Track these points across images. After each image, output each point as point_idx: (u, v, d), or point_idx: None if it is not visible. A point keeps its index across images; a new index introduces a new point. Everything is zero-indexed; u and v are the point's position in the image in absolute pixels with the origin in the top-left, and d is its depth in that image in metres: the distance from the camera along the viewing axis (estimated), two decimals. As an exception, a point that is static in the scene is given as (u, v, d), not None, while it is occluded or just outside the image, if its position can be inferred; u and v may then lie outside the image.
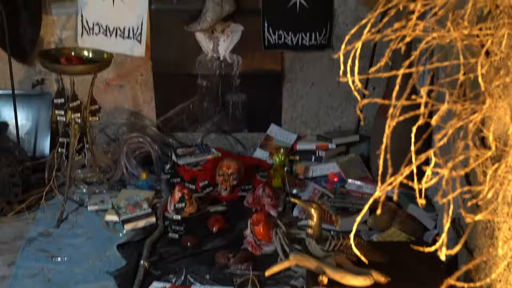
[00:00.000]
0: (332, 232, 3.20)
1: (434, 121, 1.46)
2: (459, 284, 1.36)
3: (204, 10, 3.95)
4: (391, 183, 1.43)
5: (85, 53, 3.77)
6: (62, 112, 3.62)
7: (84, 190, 3.84)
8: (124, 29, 4.08)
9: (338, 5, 4.13)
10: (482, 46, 1.56)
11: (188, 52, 4.20)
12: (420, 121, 1.47)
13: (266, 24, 4.11)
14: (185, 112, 4.34)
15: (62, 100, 3.63)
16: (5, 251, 3.33)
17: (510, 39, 1.52)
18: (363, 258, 1.92)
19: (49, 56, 3.69)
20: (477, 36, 1.55)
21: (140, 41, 4.09)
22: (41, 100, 4.21)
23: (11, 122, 4.10)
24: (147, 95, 4.32)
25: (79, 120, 3.63)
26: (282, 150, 4.08)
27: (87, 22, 4.09)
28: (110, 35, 4.09)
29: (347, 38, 1.67)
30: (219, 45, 4.19)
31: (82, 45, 4.09)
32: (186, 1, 4.08)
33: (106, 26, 4.08)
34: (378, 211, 1.64)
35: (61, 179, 3.84)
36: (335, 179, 3.93)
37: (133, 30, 4.08)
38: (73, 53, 3.76)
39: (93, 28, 4.09)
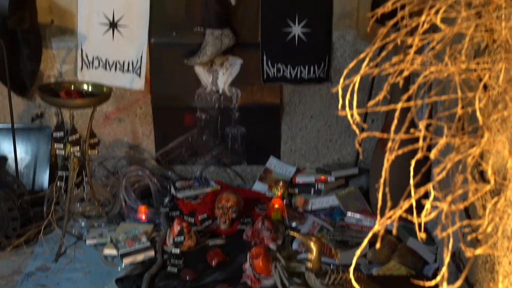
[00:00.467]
0: (331, 266, 3.18)
1: (432, 154, 1.46)
2: (460, 319, 1.35)
3: (203, 44, 3.98)
4: (390, 217, 1.43)
5: (85, 86, 3.78)
6: (61, 146, 3.62)
7: (83, 224, 3.82)
8: (123, 62, 4.10)
9: (337, 39, 4.16)
10: (480, 80, 1.57)
11: (187, 86, 4.22)
12: (419, 155, 1.47)
13: (265, 58, 4.14)
14: (184, 145, 4.34)
15: (62, 133, 3.63)
16: (3, 286, 3.31)
17: (508, 73, 1.53)
18: (363, 293, 1.90)
19: (49, 90, 3.71)
20: (475, 70, 1.56)
21: (139, 75, 4.11)
22: (40, 133, 4.21)
23: (10, 156, 4.10)
24: (146, 129, 4.33)
25: (78, 154, 3.63)
26: (281, 183, 4.07)
27: (86, 56, 4.11)
28: (110, 69, 4.11)
29: (345, 72, 1.68)
30: (218, 78, 4.21)
31: (81, 78, 4.11)
32: (186, 35, 4.11)
33: (106, 60, 4.11)
34: (378, 245, 1.63)
35: (60, 213, 3.83)
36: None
37: (132, 64, 4.10)
38: (72, 87, 3.77)
39: (92, 62, 4.11)
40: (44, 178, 4.17)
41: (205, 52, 3.98)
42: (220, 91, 4.24)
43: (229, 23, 4.00)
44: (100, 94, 3.74)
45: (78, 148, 3.62)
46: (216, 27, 3.93)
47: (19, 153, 4.10)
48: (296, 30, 4.09)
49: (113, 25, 4.05)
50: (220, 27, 3.94)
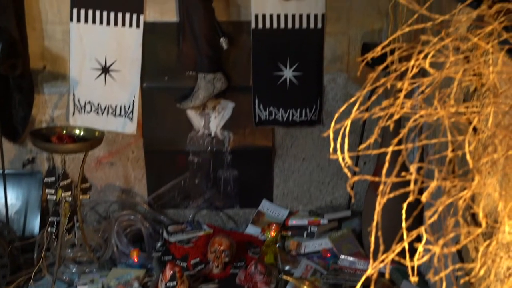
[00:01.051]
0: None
1: (424, 198, 1.46)
2: None
3: (196, 88, 4.00)
4: (383, 260, 1.42)
5: (77, 131, 3.79)
6: (53, 191, 3.60)
7: (74, 270, 3.78)
8: (115, 107, 4.11)
9: (328, 82, 4.19)
10: (470, 123, 1.58)
11: (179, 129, 4.23)
12: (411, 198, 1.47)
13: (257, 101, 4.16)
14: (177, 189, 4.33)
15: (53, 178, 3.62)
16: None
17: (496, 117, 1.54)
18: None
19: (41, 135, 3.70)
20: (464, 113, 1.57)
21: (131, 119, 4.12)
22: (31, 179, 4.20)
23: (1, 202, 4.07)
24: (139, 173, 4.32)
25: (70, 199, 3.61)
26: (274, 226, 4.06)
27: (79, 100, 4.12)
28: (102, 113, 4.12)
29: (336, 115, 1.69)
30: (210, 121, 4.22)
31: (73, 123, 4.11)
32: (178, 79, 4.13)
33: (98, 105, 4.12)
34: (371, 289, 1.62)
35: (51, 259, 3.79)
36: (328, 255, 3.90)
37: (124, 108, 4.11)
38: (64, 132, 3.77)
39: (84, 107, 4.12)
40: (35, 224, 4.13)
41: (198, 96, 4.00)
42: (212, 134, 4.25)
43: (221, 67, 4.03)
44: (92, 139, 3.73)
45: (69, 193, 3.60)
46: (208, 71, 3.96)
47: (10, 198, 4.08)
48: (288, 73, 4.12)
49: (105, 70, 4.07)
50: (212, 71, 3.96)
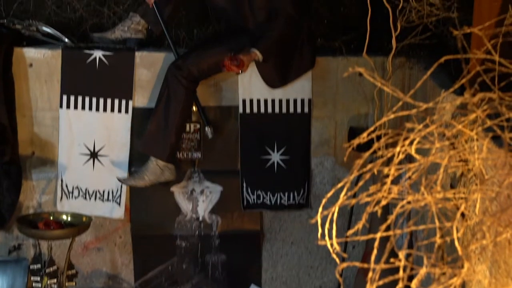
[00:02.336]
0: None
1: (414, 285, 1.45)
2: None
3: (144, 168, 3.94)
4: None
5: (64, 217, 3.77)
6: (38, 279, 3.55)
7: None
8: (103, 192, 4.10)
9: (315, 165, 4.21)
10: (457, 209, 1.59)
11: (167, 213, 4.20)
12: (400, 285, 1.46)
13: (244, 185, 4.16)
14: (164, 274, 4.27)
15: (39, 265, 3.58)
16: None
17: (483, 203, 1.55)
18: None
19: (27, 221, 3.68)
20: (451, 199, 1.58)
21: (119, 204, 4.10)
22: (16, 266, 4.12)
23: (-15, 289, 4.00)
24: (126, 258, 4.27)
25: (56, 286, 3.56)
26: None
27: (66, 186, 4.11)
28: (90, 198, 4.10)
29: (323, 201, 1.69)
30: (198, 205, 4.21)
31: (61, 209, 4.08)
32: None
33: (86, 190, 4.11)
34: None
35: None
36: None
37: (112, 193, 4.10)
38: (51, 218, 3.75)
39: (72, 192, 4.11)
40: (19, 312, 4.04)
41: (143, 177, 3.94)
42: (200, 218, 4.23)
43: (175, 160, 4.00)
44: (79, 224, 3.71)
45: (55, 280, 3.56)
46: (165, 160, 3.92)
47: (-5, 286, 4.01)
48: (275, 157, 4.14)
49: (94, 155, 4.09)
50: (167, 161, 3.94)
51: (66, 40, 4.09)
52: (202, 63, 3.83)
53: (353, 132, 4.07)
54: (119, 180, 3.98)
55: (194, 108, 4.03)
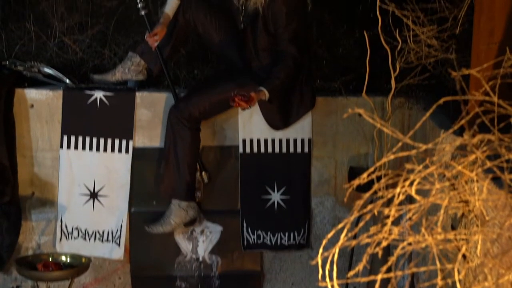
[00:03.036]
0: None
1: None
2: None
3: (168, 213, 3.95)
4: None
5: (63, 258, 3.75)
6: (36, 321, 3.52)
7: None
8: (103, 232, 4.09)
9: (316, 205, 4.21)
10: (459, 250, 1.59)
11: (167, 254, 4.18)
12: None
13: (245, 224, 4.15)
14: (164, 316, 4.23)
15: (37, 307, 3.54)
16: None
17: (485, 245, 1.55)
18: None
19: (26, 262, 3.66)
20: (452, 241, 1.58)
21: (119, 244, 4.09)
22: (15, 308, 4.10)
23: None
24: (125, 299, 4.24)
25: (54, 328, 3.52)
26: None
27: (66, 226, 4.10)
28: (89, 239, 4.08)
29: (324, 242, 1.69)
30: (198, 246, 4.19)
31: (60, 250, 4.06)
32: (166, 203, 4.12)
33: (85, 230, 4.09)
34: None
35: None
36: None
37: (112, 233, 4.09)
38: (50, 259, 3.73)
39: (72, 233, 4.09)
40: None
41: (169, 222, 3.95)
42: (200, 258, 4.20)
43: (195, 198, 4.02)
44: (78, 266, 3.69)
45: (53, 322, 3.52)
46: (185, 199, 3.93)
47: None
48: (276, 197, 4.14)
49: (93, 195, 4.08)
50: (188, 200, 3.95)
51: (67, 81, 4.11)
52: (204, 104, 3.85)
53: (353, 172, 4.07)
54: (147, 228, 3.97)
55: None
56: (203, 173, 4.04)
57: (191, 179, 3.95)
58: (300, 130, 4.09)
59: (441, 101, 1.75)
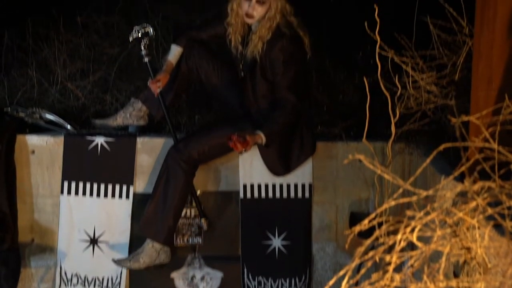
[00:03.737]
0: None
1: None
2: None
3: (140, 250, 3.91)
4: None
5: (62, 305, 3.71)
6: None
7: None
8: (103, 279, 4.06)
9: (317, 251, 4.18)
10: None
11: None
12: None
13: (245, 270, 4.12)
14: None
15: None
16: None
17: (487, 292, 1.54)
18: None
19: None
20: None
21: (118, 292, 4.06)
22: None
23: None
24: None
25: None
26: None
27: (65, 273, 4.07)
28: (89, 286, 4.05)
29: (326, 288, 1.68)
30: (198, 292, 4.17)
31: (59, 297, 4.04)
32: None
33: (85, 277, 4.06)
34: None
35: None
36: None
37: (112, 280, 4.06)
38: (49, 306, 3.69)
39: (71, 280, 4.06)
40: None
41: (138, 259, 3.90)
42: (201, 305, 4.17)
43: (172, 242, 3.99)
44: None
45: None
46: (162, 242, 3.90)
47: None
48: (277, 242, 4.12)
49: (93, 241, 4.06)
50: (163, 243, 3.92)
51: (69, 127, 4.13)
52: (203, 147, 3.85)
53: (355, 217, 4.06)
54: (114, 261, 3.93)
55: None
56: (203, 220, 4.03)
57: (174, 224, 3.91)
58: (300, 175, 4.09)
59: (441, 147, 1.75)
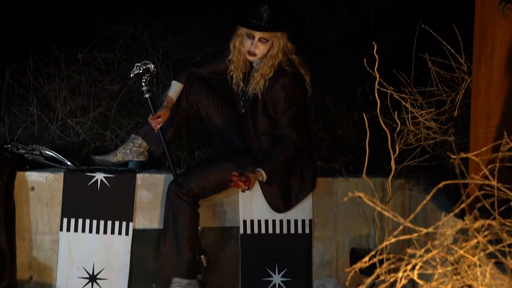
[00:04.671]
0: None
1: None
2: None
3: None
4: None
5: None
6: None
7: None
8: None
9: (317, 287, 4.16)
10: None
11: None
12: None
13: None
14: None
15: None
16: None
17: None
18: None
19: None
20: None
21: None
22: None
23: None
24: None
25: None
26: None
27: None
28: None
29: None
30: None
31: None
32: (166, 285, 4.08)
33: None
34: None
35: None
36: None
37: None
38: None
39: None
40: None
41: None
42: None
43: (196, 275, 3.98)
44: None
45: None
46: (186, 277, 3.88)
47: None
48: (277, 279, 4.09)
49: (92, 278, 4.03)
50: (189, 277, 3.90)
51: (69, 163, 4.14)
52: (203, 181, 3.85)
53: (355, 254, 4.04)
54: None
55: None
56: (202, 256, 4.01)
57: (192, 255, 3.90)
58: (301, 211, 4.09)
59: (441, 185, 1.75)
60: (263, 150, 3.83)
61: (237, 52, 3.83)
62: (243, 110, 3.91)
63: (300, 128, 3.80)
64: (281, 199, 3.95)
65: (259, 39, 3.70)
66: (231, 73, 3.90)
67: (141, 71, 3.94)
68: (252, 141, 3.89)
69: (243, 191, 3.68)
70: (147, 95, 3.93)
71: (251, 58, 3.78)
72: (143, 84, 3.93)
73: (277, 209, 3.98)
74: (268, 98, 3.76)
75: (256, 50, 3.72)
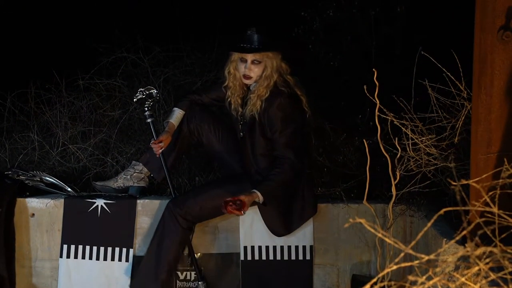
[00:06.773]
0: None
1: None
2: None
3: None
4: None
5: None
6: None
7: None
8: None
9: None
10: None
11: None
12: None
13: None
14: None
15: None
16: None
17: None
18: None
19: None
20: None
21: None
22: None
23: None
24: None
25: None
26: None
27: None
28: None
29: None
30: None
31: None
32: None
33: None
34: None
35: None
36: None
37: None
38: None
39: None
40: None
41: None
42: None
43: None
44: None
45: None
46: None
47: None
48: (277, 305, 4.08)
49: (92, 305, 4.02)
50: None
51: (69, 189, 4.13)
52: (201, 204, 3.84)
53: (356, 280, 4.03)
54: None
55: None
56: (200, 283, 3.99)
57: (167, 278, 3.86)
58: (301, 237, 4.07)
59: (442, 211, 1.75)
60: (261, 172, 3.83)
61: (232, 78, 3.86)
62: (241, 134, 3.92)
63: (298, 148, 3.79)
64: (281, 223, 3.94)
65: (252, 62, 3.74)
66: (229, 99, 3.93)
67: (144, 96, 3.96)
68: (251, 163, 3.89)
69: (239, 215, 3.68)
70: (149, 120, 3.94)
71: (247, 82, 3.80)
72: (146, 109, 3.94)
73: (276, 232, 3.96)
74: (265, 119, 3.78)
75: (250, 73, 3.75)
